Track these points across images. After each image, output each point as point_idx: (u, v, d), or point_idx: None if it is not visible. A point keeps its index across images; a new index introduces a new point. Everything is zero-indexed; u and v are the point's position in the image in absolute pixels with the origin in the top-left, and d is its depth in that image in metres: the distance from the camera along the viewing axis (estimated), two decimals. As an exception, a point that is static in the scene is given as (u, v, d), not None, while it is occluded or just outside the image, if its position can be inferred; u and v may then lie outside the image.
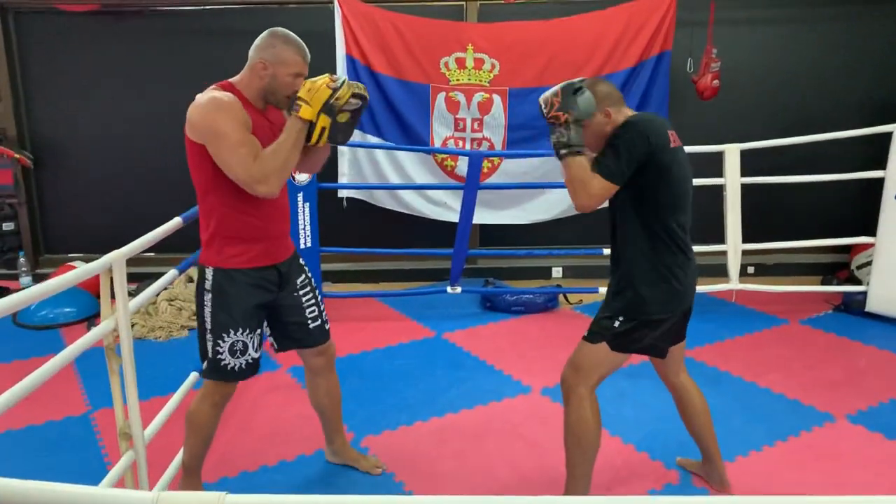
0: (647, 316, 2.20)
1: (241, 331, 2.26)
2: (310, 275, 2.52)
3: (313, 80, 2.17)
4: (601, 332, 2.25)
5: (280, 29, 2.25)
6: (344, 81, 2.18)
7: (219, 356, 2.26)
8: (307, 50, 2.25)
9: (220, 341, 2.26)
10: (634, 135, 2.07)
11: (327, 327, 2.56)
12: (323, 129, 2.17)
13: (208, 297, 2.25)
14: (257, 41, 2.22)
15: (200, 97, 2.13)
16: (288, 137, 2.13)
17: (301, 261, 2.51)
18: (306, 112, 2.13)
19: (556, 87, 2.13)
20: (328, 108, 2.15)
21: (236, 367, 2.29)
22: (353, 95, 2.18)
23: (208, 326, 2.27)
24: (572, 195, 2.14)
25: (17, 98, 5.34)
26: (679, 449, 2.81)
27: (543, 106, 2.15)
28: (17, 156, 5.17)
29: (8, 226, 5.39)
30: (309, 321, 2.48)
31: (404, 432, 3.10)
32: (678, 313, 2.26)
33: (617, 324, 2.21)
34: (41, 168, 5.47)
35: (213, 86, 2.19)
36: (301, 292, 2.45)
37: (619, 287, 2.24)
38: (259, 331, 2.34)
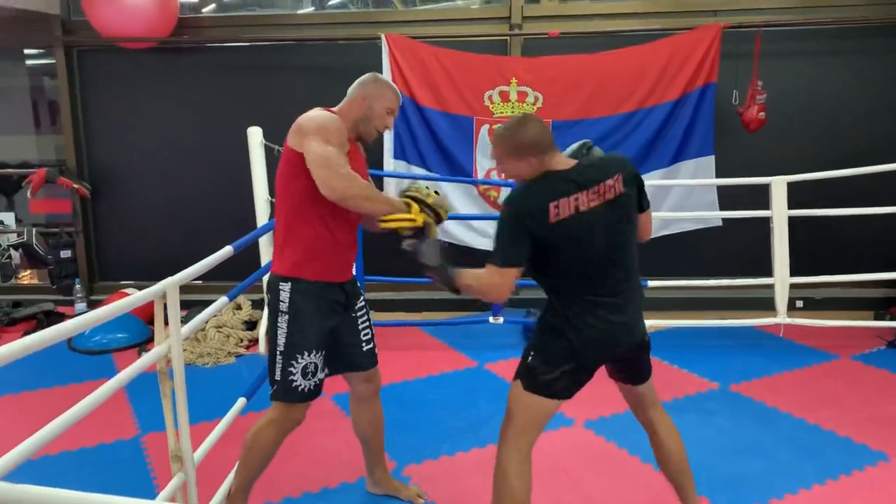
0: (552, 363, 2.13)
1: (314, 353, 2.33)
2: (365, 300, 2.60)
3: (439, 197, 2.41)
4: (519, 369, 2.23)
5: (379, 74, 2.48)
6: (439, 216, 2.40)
7: (291, 377, 2.32)
8: (399, 92, 2.48)
9: (293, 362, 2.31)
10: (508, 214, 2.06)
11: (376, 352, 2.62)
12: (403, 227, 2.33)
13: (283, 319, 2.32)
14: (360, 79, 2.43)
15: (313, 111, 2.30)
16: (387, 200, 2.33)
17: (358, 285, 2.59)
18: (416, 212, 2.33)
19: (403, 246, 2.29)
20: (415, 228, 2.34)
21: (306, 389, 2.34)
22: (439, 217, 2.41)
23: (281, 349, 2.33)
24: (486, 298, 2.16)
25: (78, 131, 5.57)
26: (724, 485, 2.76)
27: (411, 250, 2.28)
28: (76, 186, 5.37)
29: (65, 253, 5.58)
30: (363, 343, 2.55)
31: (446, 462, 3.10)
32: (588, 361, 2.14)
33: (529, 359, 2.17)
34: (98, 198, 5.67)
35: (317, 108, 2.35)
36: (359, 314, 2.54)
37: (539, 323, 2.23)
38: (324, 352, 2.40)
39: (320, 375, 2.38)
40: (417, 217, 2.32)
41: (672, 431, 2.37)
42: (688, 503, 2.39)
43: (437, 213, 2.37)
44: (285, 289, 2.32)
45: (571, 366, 2.12)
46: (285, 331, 2.32)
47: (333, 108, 2.38)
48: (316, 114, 2.28)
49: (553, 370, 2.12)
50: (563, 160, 2.14)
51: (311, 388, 2.36)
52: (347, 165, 2.20)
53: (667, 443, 2.35)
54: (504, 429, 2.23)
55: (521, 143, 2.08)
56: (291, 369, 2.31)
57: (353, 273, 2.55)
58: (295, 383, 2.32)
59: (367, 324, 2.58)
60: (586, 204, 2.04)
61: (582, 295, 2.10)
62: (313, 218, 2.29)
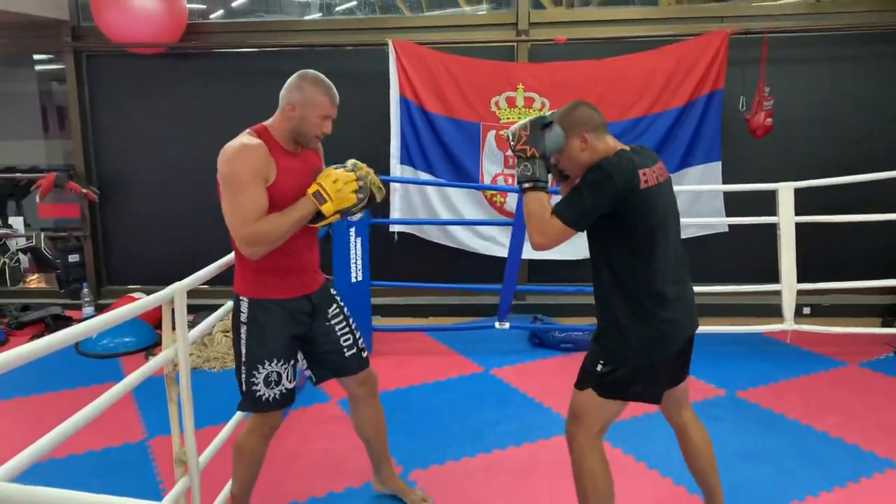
0: (626, 362, 2.12)
1: (275, 361, 2.32)
2: (342, 304, 2.56)
3: (343, 177, 2.23)
4: (586, 378, 2.19)
5: (310, 71, 2.31)
6: (364, 197, 2.26)
7: (253, 387, 2.32)
8: (336, 92, 2.31)
9: (254, 372, 2.31)
10: (600, 178, 2.00)
11: (365, 355, 2.59)
12: (330, 224, 2.28)
13: (244, 329, 2.32)
14: (287, 83, 2.29)
15: (230, 143, 2.20)
16: (292, 216, 2.18)
17: (333, 291, 2.55)
18: (326, 208, 2.21)
19: (525, 121, 2.11)
20: (345, 211, 2.25)
21: (270, 398, 2.33)
22: (370, 198, 2.31)
23: (243, 358, 2.32)
24: (528, 232, 2.10)
25: (86, 136, 5.60)
26: (730, 490, 2.74)
27: (511, 138, 2.12)
28: (84, 191, 5.39)
29: (73, 257, 5.60)
30: (344, 349, 2.51)
31: (451, 467, 3.10)
32: (664, 357, 2.15)
33: (599, 367, 2.14)
34: (106, 203, 5.70)
35: (248, 130, 2.27)
36: (333, 321, 2.49)
37: (601, 331, 2.20)
38: (293, 361, 2.39)
39: (287, 385, 2.35)
40: (326, 213, 2.21)
41: (703, 431, 2.41)
42: (715, 500, 2.43)
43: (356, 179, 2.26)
44: (245, 301, 2.32)
45: (646, 363, 2.11)
46: (245, 341, 2.31)
47: (267, 121, 2.30)
48: (225, 157, 2.16)
49: (622, 370, 2.11)
50: (618, 143, 2.16)
51: (276, 397, 2.34)
52: (254, 202, 2.12)
53: (699, 443, 2.39)
54: (574, 435, 2.23)
55: (573, 118, 2.11)
56: (254, 379, 2.31)
57: (322, 282, 2.48)
58: (258, 393, 2.32)
59: (347, 329, 2.53)
60: (655, 179, 2.08)
61: (657, 280, 2.08)
62: None
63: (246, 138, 2.21)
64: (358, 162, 2.37)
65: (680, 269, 2.17)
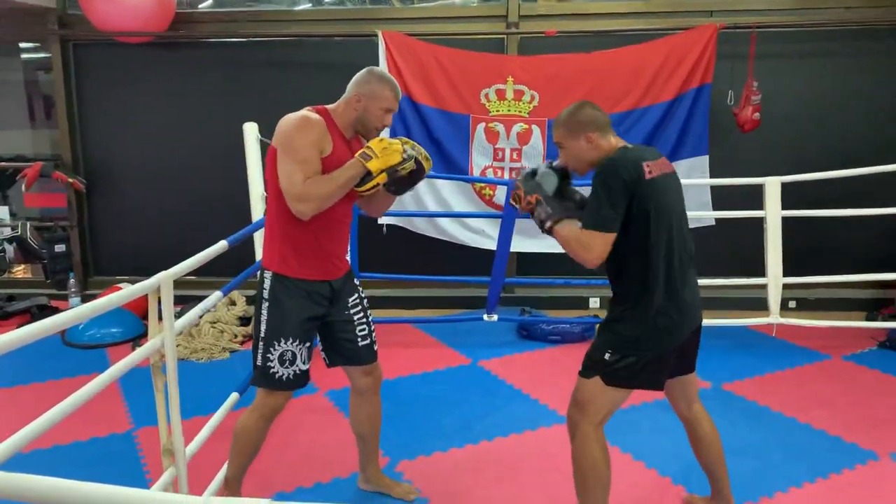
0: (634, 352, 2.17)
1: (291, 340, 2.35)
2: (363, 295, 2.61)
3: (390, 140, 2.29)
4: (593, 366, 2.23)
5: (376, 68, 2.42)
6: (413, 155, 2.31)
7: (269, 363, 2.35)
8: (399, 89, 2.42)
9: (271, 349, 2.35)
10: (607, 175, 2.09)
11: (375, 348, 2.63)
12: (377, 184, 2.28)
13: (265, 305, 2.36)
14: (356, 76, 2.38)
15: (292, 114, 2.29)
16: (342, 175, 2.25)
17: (356, 281, 2.60)
18: (372, 165, 2.24)
19: (515, 180, 2.31)
20: (391, 170, 2.27)
21: (284, 377, 2.37)
22: (417, 161, 2.33)
23: (262, 334, 2.36)
24: (575, 255, 2.15)
25: (73, 125, 5.56)
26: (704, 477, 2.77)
27: (515, 203, 2.29)
28: (70, 180, 5.36)
29: (60, 247, 5.57)
30: (359, 339, 2.56)
31: (439, 459, 3.11)
32: (672, 346, 2.20)
33: (607, 356, 2.19)
34: (93, 193, 5.66)
35: (308, 107, 2.33)
36: (353, 310, 2.54)
37: (610, 320, 2.25)
38: (309, 344, 2.42)
39: (301, 366, 2.40)
40: (373, 170, 2.25)
41: (712, 424, 2.46)
42: (722, 491, 2.50)
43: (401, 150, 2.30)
44: (268, 277, 2.37)
45: (654, 353, 2.17)
46: (265, 317, 2.36)
47: (330, 105, 2.38)
48: (287, 124, 2.25)
49: (631, 359, 2.16)
50: (620, 140, 2.26)
51: (290, 377, 2.38)
52: (307, 164, 2.21)
53: (710, 436, 2.44)
54: (578, 422, 2.26)
55: (578, 120, 2.23)
56: (269, 355, 2.35)
57: (346, 271, 2.53)
58: (272, 370, 2.36)
59: (364, 320, 2.58)
60: (659, 170, 2.16)
61: (666, 270, 2.14)
62: (291, 217, 2.28)
63: (308, 112, 2.30)
64: (402, 137, 2.46)
65: (689, 261, 2.24)
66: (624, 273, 2.18)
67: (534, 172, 2.28)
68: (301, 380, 2.43)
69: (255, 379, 2.42)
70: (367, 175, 2.26)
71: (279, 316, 2.35)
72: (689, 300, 2.21)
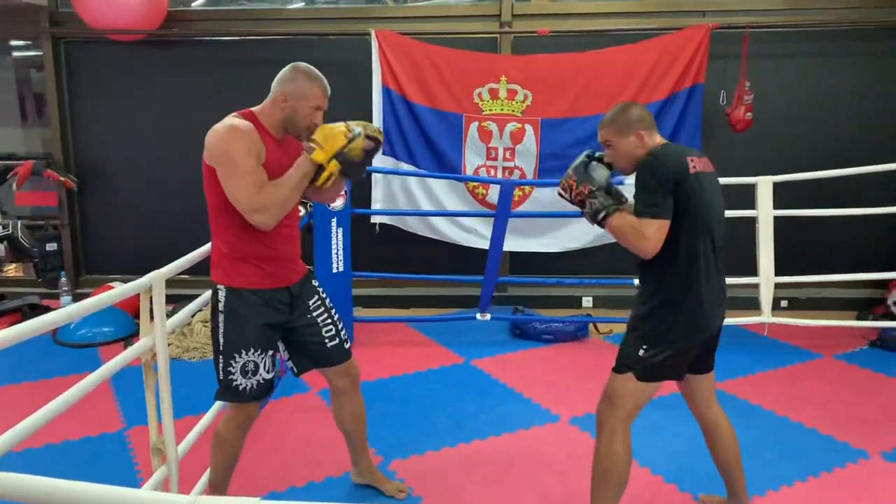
0: (670, 344, 2.20)
1: (252, 351, 2.30)
2: (324, 295, 2.55)
3: (331, 126, 2.23)
4: (627, 363, 2.25)
5: (302, 63, 2.32)
6: (360, 132, 2.23)
7: (230, 376, 2.30)
8: (328, 85, 2.32)
9: (231, 361, 2.29)
10: (656, 165, 2.14)
11: (347, 346, 2.58)
12: (331, 174, 2.23)
13: (221, 317, 2.29)
14: (280, 74, 2.29)
15: (219, 124, 2.20)
16: (294, 175, 2.20)
17: (315, 282, 2.54)
18: (318, 156, 2.19)
19: (568, 169, 2.31)
20: (340, 156, 2.21)
21: (247, 388, 2.32)
22: (368, 137, 2.25)
23: (220, 348, 2.31)
24: (634, 248, 2.17)
25: (65, 123, 5.53)
26: (708, 481, 2.78)
27: (565, 193, 2.31)
28: (62, 179, 5.33)
29: (51, 246, 5.54)
30: (326, 340, 2.50)
31: (432, 457, 3.11)
32: (702, 339, 2.26)
33: (641, 352, 2.22)
34: (84, 191, 5.64)
35: (234, 113, 2.26)
36: (315, 313, 2.48)
37: (643, 314, 2.26)
38: (271, 352, 2.37)
39: (264, 374, 2.34)
40: (321, 161, 2.18)
41: (730, 427, 2.48)
42: (738, 493, 2.52)
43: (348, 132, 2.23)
44: (221, 290, 2.30)
45: (686, 343, 2.22)
46: (222, 330, 2.29)
47: (255, 108, 2.30)
48: (217, 138, 2.16)
49: (667, 352, 2.20)
50: (664, 140, 2.31)
51: (253, 387, 2.32)
52: (253, 174, 2.13)
53: (728, 435, 2.46)
54: (607, 418, 2.27)
55: (627, 119, 2.25)
56: (230, 368, 2.29)
57: (303, 274, 2.46)
58: (235, 382, 2.30)
59: (329, 320, 2.51)
60: (703, 167, 2.21)
61: (705, 263, 2.18)
62: (238, 228, 2.22)
63: (235, 119, 2.22)
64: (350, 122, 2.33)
65: (723, 259, 2.27)
66: (662, 265, 2.18)
67: (585, 165, 2.29)
68: (265, 389, 2.37)
69: (219, 393, 2.36)
70: (319, 168, 2.21)
71: (237, 327, 2.28)
72: (719, 296, 2.27)
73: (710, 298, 2.21)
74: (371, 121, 4.90)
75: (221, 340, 2.30)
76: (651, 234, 2.11)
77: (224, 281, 2.30)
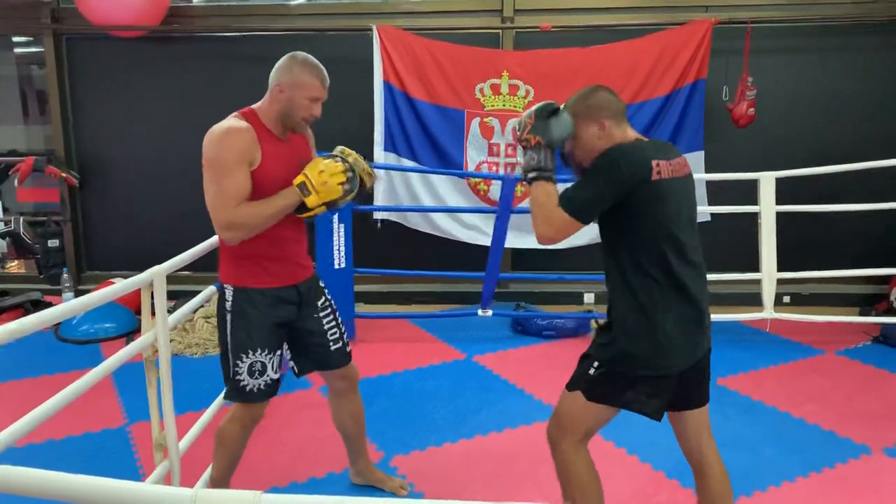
0: (623, 370, 1.94)
1: (259, 351, 2.28)
2: (330, 298, 2.53)
3: (330, 168, 2.18)
4: (576, 379, 2.03)
5: (300, 53, 2.27)
6: (356, 186, 2.23)
7: (238, 377, 2.28)
8: (326, 75, 2.27)
9: (238, 362, 2.27)
10: (607, 165, 1.87)
11: (348, 350, 2.56)
12: (316, 215, 2.23)
13: (229, 317, 2.28)
14: (277, 64, 2.24)
15: (216, 126, 2.16)
16: (276, 204, 2.15)
17: (321, 283, 2.52)
18: (310, 201, 2.16)
19: (532, 109, 2.02)
20: (331, 203, 2.20)
21: (255, 389, 2.30)
22: (362, 183, 2.27)
23: (228, 348, 2.29)
24: (534, 224, 1.96)
25: (66, 120, 5.53)
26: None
27: (517, 128, 2.04)
28: (64, 175, 5.33)
29: (53, 242, 5.54)
30: (330, 343, 2.48)
31: (433, 453, 3.11)
32: (669, 372, 1.93)
33: (592, 371, 1.98)
34: (86, 187, 5.64)
35: (234, 113, 2.23)
36: (322, 314, 2.47)
37: (604, 326, 2.03)
38: (279, 352, 2.35)
39: (271, 375, 2.32)
40: (311, 206, 2.17)
41: (724, 472, 2.13)
42: None
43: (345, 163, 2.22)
44: (229, 290, 2.28)
45: (645, 373, 1.93)
46: (230, 329, 2.28)
47: (256, 104, 2.27)
48: (211, 139, 2.13)
49: (619, 379, 1.94)
50: (635, 132, 2.04)
51: (261, 387, 2.31)
52: (236, 187, 2.09)
53: (718, 486, 2.12)
54: (558, 440, 2.06)
55: (589, 103, 1.99)
56: (238, 369, 2.27)
57: (311, 273, 2.45)
58: (242, 383, 2.29)
59: (334, 323, 2.50)
60: (670, 173, 1.92)
61: (664, 282, 1.91)
62: None
63: (233, 121, 2.18)
64: (346, 148, 2.32)
65: (695, 276, 1.97)
66: (621, 281, 1.96)
67: (553, 112, 1.99)
68: (272, 389, 2.35)
69: (228, 393, 2.35)
70: (304, 205, 2.18)
71: (245, 327, 2.26)
72: (693, 319, 1.96)
73: (681, 322, 1.92)
74: (372, 116, 4.92)
75: (229, 340, 2.28)
76: (557, 226, 1.90)
77: (232, 281, 2.28)
